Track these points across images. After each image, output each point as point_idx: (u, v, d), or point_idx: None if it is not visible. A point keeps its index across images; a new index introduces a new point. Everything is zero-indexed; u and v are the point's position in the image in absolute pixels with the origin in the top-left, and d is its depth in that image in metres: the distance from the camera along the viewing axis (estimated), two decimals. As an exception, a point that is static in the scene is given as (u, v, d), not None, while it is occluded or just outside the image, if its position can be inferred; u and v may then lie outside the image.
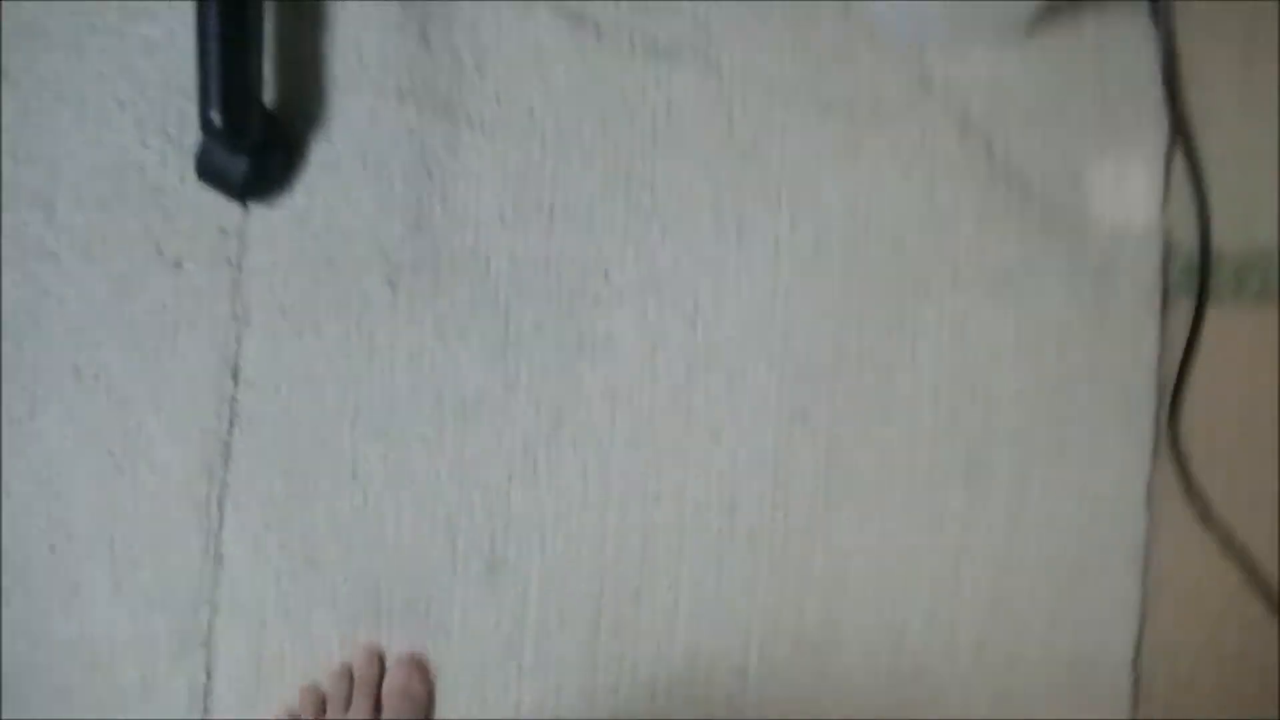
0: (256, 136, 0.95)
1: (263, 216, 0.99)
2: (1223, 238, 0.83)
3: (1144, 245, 0.85)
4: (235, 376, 0.98)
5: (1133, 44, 0.86)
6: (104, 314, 1.01)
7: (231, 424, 0.98)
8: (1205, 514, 0.83)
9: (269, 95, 0.97)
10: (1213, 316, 0.83)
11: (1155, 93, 0.85)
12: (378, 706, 0.92)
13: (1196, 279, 0.83)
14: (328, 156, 0.98)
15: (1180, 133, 0.84)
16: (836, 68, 0.90)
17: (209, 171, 0.97)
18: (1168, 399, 0.84)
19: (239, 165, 0.96)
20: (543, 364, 0.93)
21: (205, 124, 0.93)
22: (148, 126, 1.02)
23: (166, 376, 1.00)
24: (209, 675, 0.99)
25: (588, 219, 0.93)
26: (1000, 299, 0.87)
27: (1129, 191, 0.86)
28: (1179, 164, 0.85)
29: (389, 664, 0.94)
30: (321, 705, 0.94)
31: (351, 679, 0.94)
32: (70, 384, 1.02)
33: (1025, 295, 0.86)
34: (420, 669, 0.93)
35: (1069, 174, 0.87)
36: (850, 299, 0.89)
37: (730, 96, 0.92)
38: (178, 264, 1.00)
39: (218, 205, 0.99)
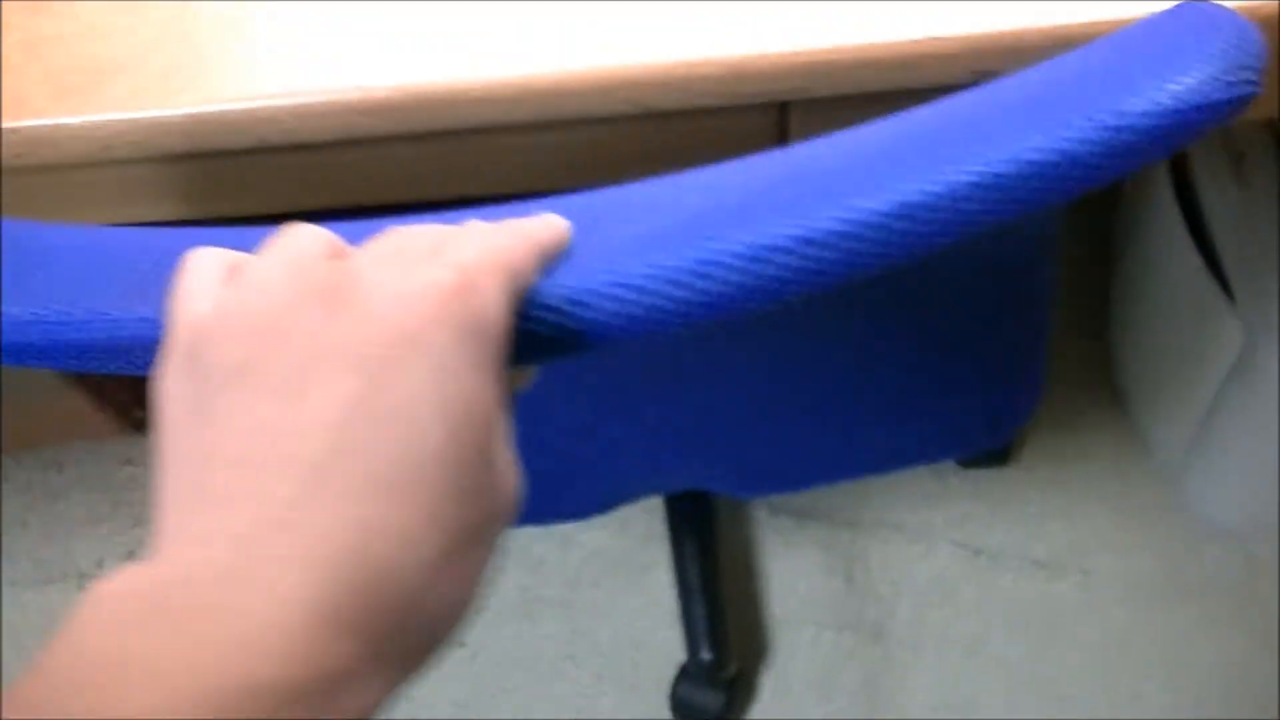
0: (732, 672, 1.13)
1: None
2: None
3: None
4: None
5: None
6: None
7: None
8: None
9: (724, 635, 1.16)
10: None
11: None
12: None
13: None
14: (778, 683, 1.16)
15: None
16: (1183, 561, 1.18)
17: (685, 705, 1.13)
18: None
19: (716, 699, 1.13)
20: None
21: (693, 663, 1.11)
22: (603, 675, 1.17)
23: None
24: None
25: (1003, 709, 1.14)
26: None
27: None
28: None
29: None
30: None
31: None
32: None
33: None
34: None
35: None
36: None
37: (1103, 597, 1.17)
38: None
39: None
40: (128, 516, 1.25)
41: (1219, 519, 1.17)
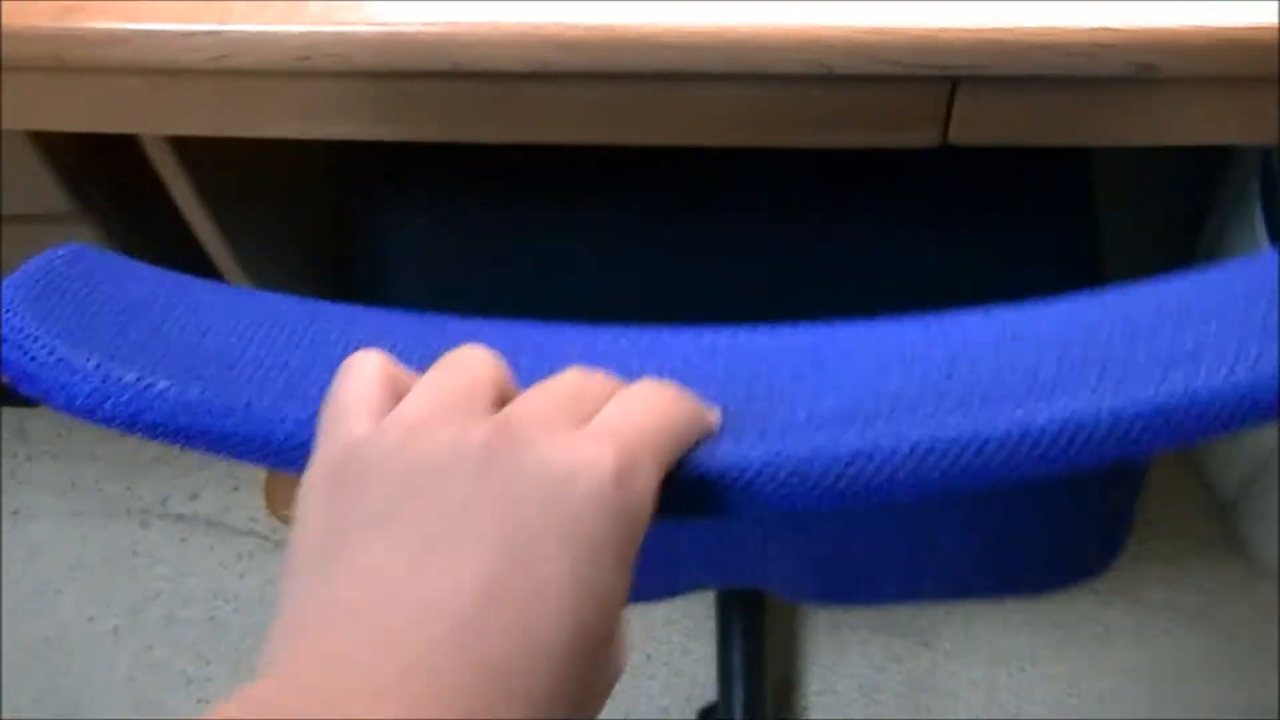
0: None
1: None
2: None
3: None
4: None
5: None
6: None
7: None
8: None
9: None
10: None
11: None
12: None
13: None
14: (825, 683, 1.17)
15: None
16: (1234, 598, 1.19)
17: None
18: None
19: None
20: None
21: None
22: (652, 657, 1.18)
23: None
24: None
25: None
26: None
27: None
28: None
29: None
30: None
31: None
32: None
33: None
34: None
35: None
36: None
37: (1152, 627, 1.18)
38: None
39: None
40: (194, 459, 1.27)
41: (1273, 559, 1.18)
